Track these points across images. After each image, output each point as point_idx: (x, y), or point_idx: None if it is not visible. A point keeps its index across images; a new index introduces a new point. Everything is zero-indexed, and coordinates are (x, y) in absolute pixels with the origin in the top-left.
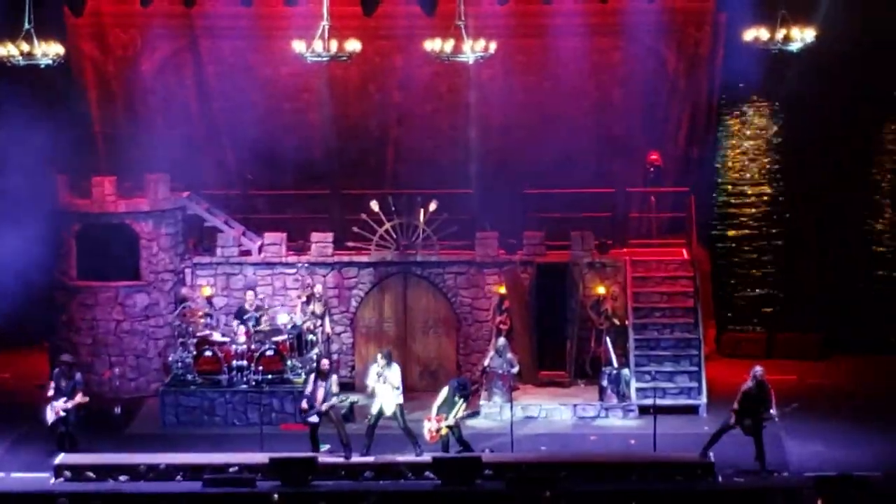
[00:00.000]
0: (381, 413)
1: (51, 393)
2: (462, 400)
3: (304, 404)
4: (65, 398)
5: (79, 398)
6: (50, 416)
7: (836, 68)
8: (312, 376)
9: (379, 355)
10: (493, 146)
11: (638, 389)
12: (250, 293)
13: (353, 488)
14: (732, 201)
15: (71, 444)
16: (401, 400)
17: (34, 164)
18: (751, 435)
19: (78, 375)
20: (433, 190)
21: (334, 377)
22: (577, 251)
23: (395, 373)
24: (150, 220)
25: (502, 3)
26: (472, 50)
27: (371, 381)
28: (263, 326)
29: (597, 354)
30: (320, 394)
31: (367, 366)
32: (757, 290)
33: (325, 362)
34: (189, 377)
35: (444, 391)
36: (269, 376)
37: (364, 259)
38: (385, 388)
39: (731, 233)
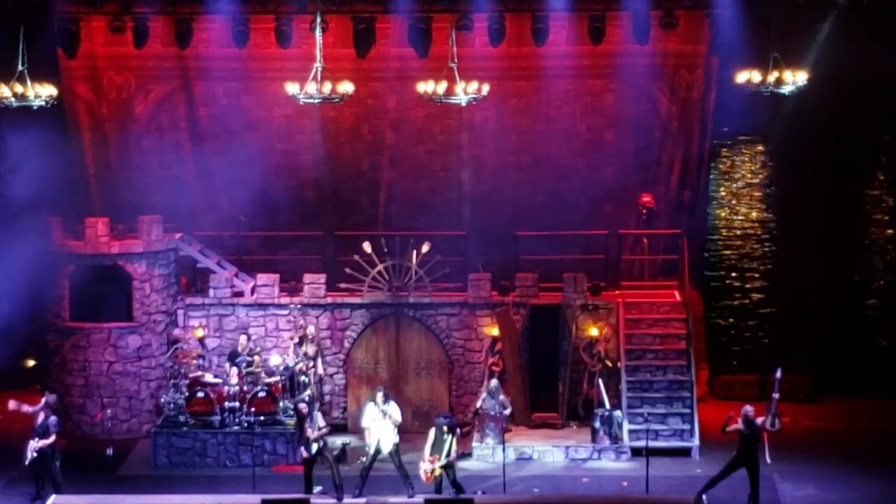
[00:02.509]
0: (376, 454)
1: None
2: (450, 435)
3: (304, 452)
4: (37, 437)
5: (49, 440)
6: (28, 455)
7: (827, 111)
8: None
9: (378, 393)
10: (485, 188)
11: (630, 431)
12: (243, 337)
13: None
14: (725, 244)
15: (54, 486)
16: (397, 438)
17: (27, 206)
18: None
19: (52, 419)
20: (426, 231)
21: (318, 414)
22: (570, 293)
23: (395, 409)
24: (142, 261)
25: (495, 45)
26: (465, 92)
27: (367, 421)
28: (255, 368)
29: (589, 396)
30: (309, 432)
31: (361, 407)
32: (748, 333)
33: (302, 406)
34: (181, 418)
35: (432, 432)
36: (262, 418)
37: (356, 300)
38: (385, 425)
39: (722, 273)
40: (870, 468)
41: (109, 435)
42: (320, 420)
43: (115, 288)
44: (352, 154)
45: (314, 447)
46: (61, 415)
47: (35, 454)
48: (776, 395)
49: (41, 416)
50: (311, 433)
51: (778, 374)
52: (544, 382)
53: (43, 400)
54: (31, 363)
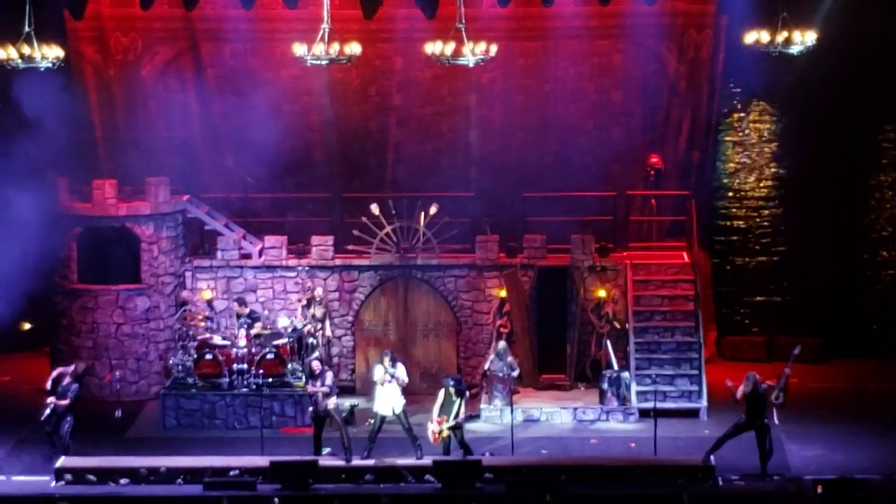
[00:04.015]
0: (384, 416)
1: (49, 386)
2: (459, 398)
3: (316, 407)
4: (54, 396)
5: (64, 402)
6: (45, 412)
7: (836, 71)
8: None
9: (385, 357)
10: (493, 149)
11: (638, 393)
12: (235, 304)
13: (354, 492)
14: (733, 204)
15: (62, 449)
16: (405, 400)
17: (35, 168)
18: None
19: (74, 386)
20: (433, 193)
21: (329, 373)
22: (578, 254)
23: (402, 371)
24: (150, 223)
25: (503, 5)
26: (473, 53)
27: (377, 379)
28: (260, 330)
29: (597, 358)
30: (319, 393)
31: (370, 369)
32: (757, 294)
33: (315, 364)
34: (189, 380)
35: (441, 393)
36: (270, 380)
37: (364, 262)
38: (393, 388)
39: (731, 236)
40: (877, 429)
41: (118, 397)
42: (329, 379)
43: (123, 250)
44: (359, 115)
45: (329, 403)
46: (82, 384)
47: (49, 411)
48: (788, 371)
49: (66, 380)
50: (321, 398)
51: (796, 351)
52: (552, 344)
53: (73, 366)
54: (27, 326)
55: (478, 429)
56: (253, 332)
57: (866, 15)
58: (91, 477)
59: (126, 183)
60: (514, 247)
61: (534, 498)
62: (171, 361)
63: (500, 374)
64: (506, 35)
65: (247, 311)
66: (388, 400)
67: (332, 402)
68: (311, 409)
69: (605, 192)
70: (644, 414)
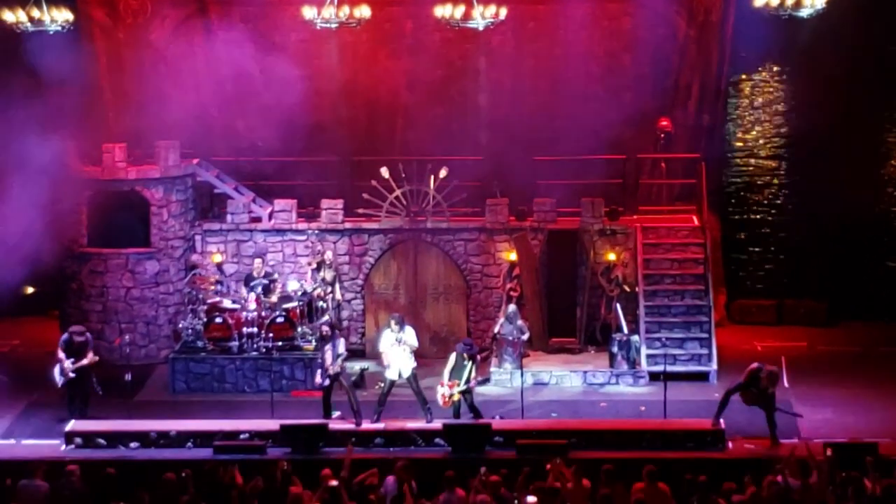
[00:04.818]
0: (394, 380)
1: (61, 355)
2: (471, 362)
3: (318, 377)
4: (73, 359)
5: (88, 359)
6: (58, 379)
7: (847, 34)
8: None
9: (392, 321)
10: (503, 113)
11: (648, 356)
12: (258, 261)
13: (364, 455)
14: (743, 168)
15: (81, 408)
16: (415, 363)
17: (44, 132)
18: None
19: (88, 335)
20: (443, 157)
21: (341, 340)
22: (588, 218)
23: (411, 334)
24: (160, 186)
25: None
26: (483, 16)
27: (384, 346)
28: (273, 294)
29: (607, 321)
30: (328, 357)
31: (379, 332)
32: (767, 257)
33: (325, 328)
34: (199, 344)
35: (452, 357)
36: (280, 343)
37: (374, 226)
38: (402, 352)
39: (741, 199)
40: (887, 391)
41: (128, 360)
42: (342, 346)
43: (133, 213)
44: (369, 79)
45: (334, 369)
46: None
47: (73, 374)
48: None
49: (72, 345)
50: (329, 362)
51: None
52: (562, 307)
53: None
54: (29, 290)
55: (487, 392)
56: (272, 298)
57: None
58: (101, 440)
59: (136, 146)
60: (524, 210)
61: (543, 461)
62: (180, 325)
63: (510, 338)
64: None
65: (265, 270)
66: (396, 363)
67: (338, 366)
68: (318, 371)
69: (615, 155)
70: (654, 377)
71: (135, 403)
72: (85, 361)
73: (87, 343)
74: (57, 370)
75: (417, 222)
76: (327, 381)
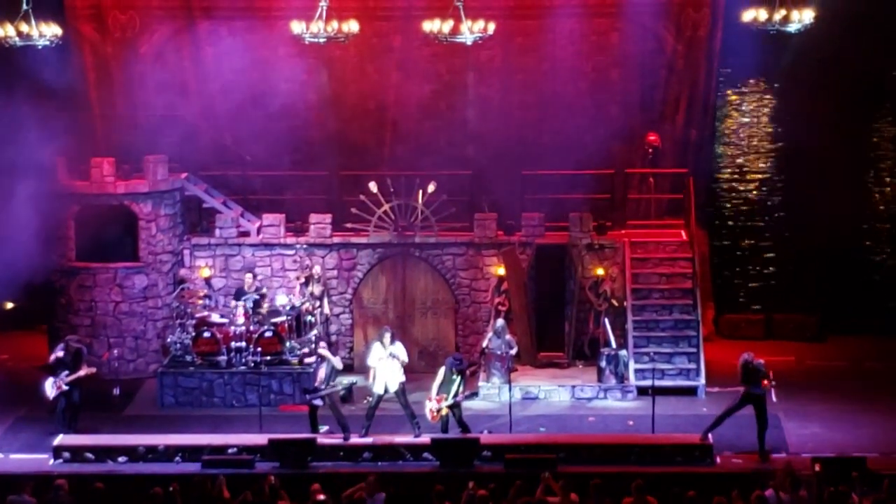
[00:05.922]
0: (381, 394)
1: (52, 359)
2: (459, 377)
3: (308, 396)
4: (66, 372)
5: (84, 370)
6: (50, 392)
7: (834, 49)
8: (316, 359)
9: (385, 333)
10: (491, 127)
11: (636, 371)
12: (249, 275)
13: (352, 469)
14: (731, 182)
15: (71, 421)
16: (404, 378)
17: (32, 146)
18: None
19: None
20: (432, 171)
21: (336, 357)
22: (576, 232)
23: (401, 349)
24: (148, 201)
25: None
26: (471, 31)
27: (373, 360)
28: (262, 309)
29: (595, 336)
30: (321, 374)
31: (368, 346)
32: (755, 272)
33: (322, 344)
34: (187, 358)
35: (441, 371)
36: (268, 357)
37: (363, 240)
38: (392, 365)
39: (729, 214)
40: (875, 407)
41: (116, 375)
42: (338, 363)
43: (121, 228)
44: (357, 94)
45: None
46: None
47: (66, 387)
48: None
49: (67, 355)
50: (322, 381)
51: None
52: (550, 322)
53: (62, 345)
54: (9, 305)
55: (476, 406)
56: (261, 310)
57: None
58: (89, 455)
59: (124, 161)
60: (513, 225)
61: (531, 475)
62: (169, 339)
63: (499, 352)
64: (504, 13)
65: (255, 285)
66: (385, 377)
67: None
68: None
69: (604, 170)
70: (642, 392)
71: (123, 418)
72: (81, 373)
73: (83, 352)
74: (49, 382)
75: (406, 237)
76: (319, 402)
